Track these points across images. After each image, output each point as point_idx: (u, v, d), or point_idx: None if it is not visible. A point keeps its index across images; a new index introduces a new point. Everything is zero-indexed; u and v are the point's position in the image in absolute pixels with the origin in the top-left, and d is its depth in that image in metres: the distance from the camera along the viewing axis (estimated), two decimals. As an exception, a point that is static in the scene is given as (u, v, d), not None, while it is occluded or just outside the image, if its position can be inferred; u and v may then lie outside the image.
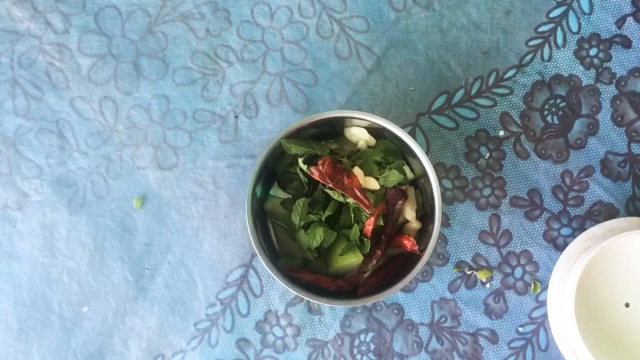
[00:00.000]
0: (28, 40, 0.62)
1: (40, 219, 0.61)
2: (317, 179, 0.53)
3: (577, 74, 0.63)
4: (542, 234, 0.62)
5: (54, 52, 0.62)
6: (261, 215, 0.58)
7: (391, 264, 0.57)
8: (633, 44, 0.63)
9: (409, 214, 0.57)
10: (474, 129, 0.62)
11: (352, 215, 0.55)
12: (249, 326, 0.61)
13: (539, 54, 0.63)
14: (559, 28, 0.63)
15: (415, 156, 0.54)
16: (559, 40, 0.63)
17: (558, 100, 0.63)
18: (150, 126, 0.62)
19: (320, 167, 0.52)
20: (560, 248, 0.61)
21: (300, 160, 0.55)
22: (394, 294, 0.55)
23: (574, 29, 0.63)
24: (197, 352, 0.60)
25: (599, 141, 0.62)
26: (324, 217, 0.55)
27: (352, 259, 0.54)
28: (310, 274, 0.55)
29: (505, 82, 0.63)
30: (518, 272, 0.61)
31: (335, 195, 0.54)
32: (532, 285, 0.61)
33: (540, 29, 0.63)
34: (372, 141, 0.57)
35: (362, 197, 0.53)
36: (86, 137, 0.62)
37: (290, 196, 0.58)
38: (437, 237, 0.53)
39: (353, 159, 0.56)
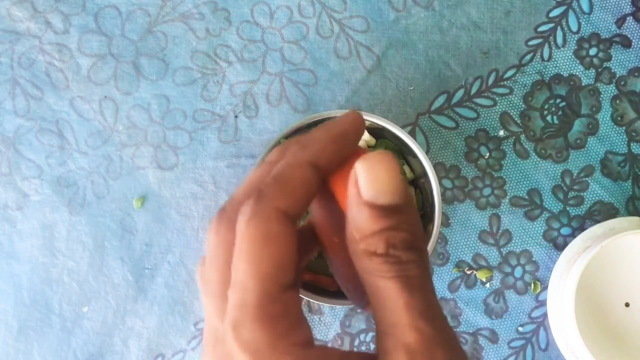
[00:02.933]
0: (28, 40, 0.62)
1: (40, 219, 0.61)
2: (317, 178, 0.53)
3: (577, 73, 0.63)
4: (542, 233, 0.62)
5: (54, 52, 0.62)
6: (261, 215, 0.58)
7: (391, 263, 0.57)
8: (633, 43, 0.63)
9: (409, 213, 0.57)
10: (474, 129, 0.62)
11: (352, 215, 0.55)
12: (249, 326, 0.61)
13: (539, 53, 0.63)
14: (558, 28, 0.63)
15: (415, 156, 0.54)
16: (559, 40, 0.63)
17: (558, 100, 0.63)
18: (150, 126, 0.62)
19: (320, 167, 0.52)
20: (560, 248, 0.61)
21: (300, 160, 0.54)
22: (394, 293, 0.55)
23: (574, 28, 0.63)
24: (197, 352, 0.60)
25: (598, 141, 0.62)
26: (324, 217, 0.55)
27: (352, 259, 0.54)
28: (310, 274, 0.55)
29: (505, 82, 0.63)
30: (518, 271, 0.61)
31: (335, 195, 0.54)
32: (532, 285, 0.61)
33: (540, 29, 0.63)
34: (372, 141, 0.57)
35: (362, 197, 0.53)
36: (86, 137, 0.62)
37: (290, 196, 0.57)
38: (437, 237, 0.53)
39: (353, 158, 0.56)
